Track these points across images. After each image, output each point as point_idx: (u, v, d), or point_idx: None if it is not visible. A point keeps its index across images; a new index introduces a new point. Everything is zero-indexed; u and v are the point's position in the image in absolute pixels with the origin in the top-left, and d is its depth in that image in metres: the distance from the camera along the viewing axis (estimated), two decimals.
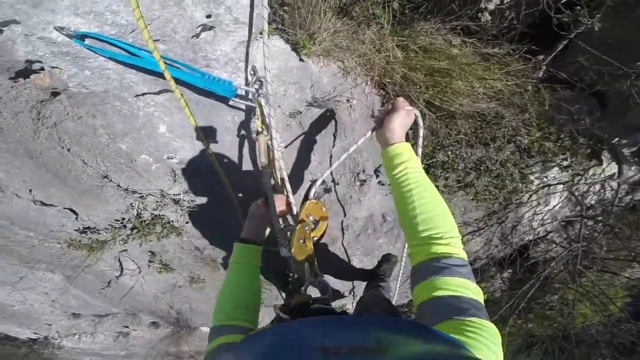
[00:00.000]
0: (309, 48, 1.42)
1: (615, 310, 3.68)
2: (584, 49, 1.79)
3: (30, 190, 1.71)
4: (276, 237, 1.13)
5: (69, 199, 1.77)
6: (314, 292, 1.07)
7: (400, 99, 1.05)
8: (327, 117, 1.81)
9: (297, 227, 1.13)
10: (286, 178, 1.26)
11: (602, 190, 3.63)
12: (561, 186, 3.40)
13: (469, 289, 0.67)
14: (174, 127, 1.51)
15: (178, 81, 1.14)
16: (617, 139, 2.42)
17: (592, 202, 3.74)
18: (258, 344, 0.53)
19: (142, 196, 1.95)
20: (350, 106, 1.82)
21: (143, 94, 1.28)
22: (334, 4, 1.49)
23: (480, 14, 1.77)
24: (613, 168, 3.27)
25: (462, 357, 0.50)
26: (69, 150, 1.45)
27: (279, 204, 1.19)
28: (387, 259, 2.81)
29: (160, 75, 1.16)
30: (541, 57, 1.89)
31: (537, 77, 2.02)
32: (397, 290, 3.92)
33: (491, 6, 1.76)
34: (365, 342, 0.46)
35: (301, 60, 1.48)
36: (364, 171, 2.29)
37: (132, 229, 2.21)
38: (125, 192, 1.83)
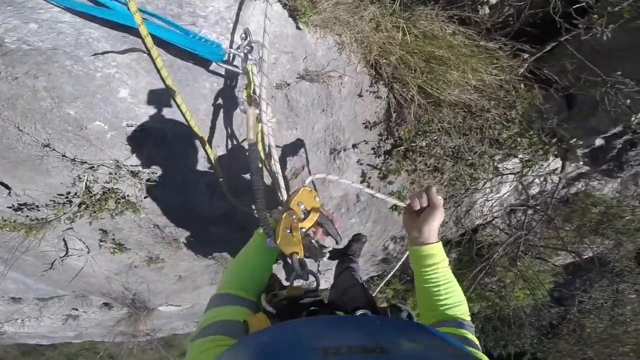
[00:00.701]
0: (309, 16, 1.23)
1: (543, 294, 4.15)
2: (571, 52, 1.81)
3: None
4: (260, 225, 1.01)
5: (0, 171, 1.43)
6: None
7: (435, 191, 0.98)
8: (317, 93, 1.65)
9: (284, 216, 1.00)
10: (276, 158, 1.10)
11: (545, 183, 3.99)
12: (512, 176, 3.65)
13: (475, 340, 0.83)
14: (138, 91, 1.25)
15: (156, 39, 0.90)
16: (575, 140, 2.59)
17: (535, 192, 4.10)
18: (257, 344, 0.52)
19: (93, 167, 1.65)
20: (341, 83, 1.68)
21: (104, 53, 1.01)
22: None
23: (480, 6, 1.69)
24: (557, 163, 3.58)
25: (460, 355, 0.51)
26: None
27: None
28: (358, 239, 2.83)
29: (132, 31, 0.90)
30: (526, 55, 1.90)
31: (518, 74, 2.04)
32: (361, 268, 4.04)
33: (494, 0, 1.69)
34: (364, 342, 0.46)
35: (298, 28, 1.29)
36: (344, 149, 2.19)
37: (79, 205, 1.89)
38: (72, 162, 1.52)
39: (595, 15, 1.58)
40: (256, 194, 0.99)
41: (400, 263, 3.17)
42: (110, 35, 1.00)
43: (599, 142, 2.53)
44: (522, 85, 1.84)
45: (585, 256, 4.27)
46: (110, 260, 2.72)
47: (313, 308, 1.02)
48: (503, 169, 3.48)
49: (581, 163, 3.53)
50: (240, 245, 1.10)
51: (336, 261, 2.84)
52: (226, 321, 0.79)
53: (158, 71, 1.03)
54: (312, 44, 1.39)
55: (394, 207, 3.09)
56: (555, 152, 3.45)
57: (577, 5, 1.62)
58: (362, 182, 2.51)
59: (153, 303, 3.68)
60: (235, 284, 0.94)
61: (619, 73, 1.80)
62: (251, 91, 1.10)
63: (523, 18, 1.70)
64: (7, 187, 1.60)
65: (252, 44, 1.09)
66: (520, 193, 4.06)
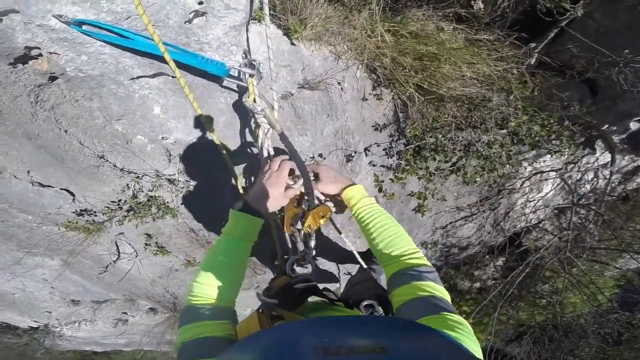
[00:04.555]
0: (300, 32, 1.49)
1: (604, 301, 3.81)
2: (575, 37, 1.86)
3: (28, 172, 1.80)
4: (307, 198, 1.15)
5: (66, 179, 1.86)
6: None
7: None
8: (319, 99, 1.89)
9: (322, 205, 1.22)
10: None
11: (595, 179, 3.74)
12: (553, 173, 3.50)
13: (439, 291, 0.83)
14: (168, 108, 1.59)
15: (176, 63, 1.22)
16: (606, 126, 2.52)
17: (585, 190, 3.85)
18: (256, 345, 0.54)
19: (138, 176, 2.04)
20: (341, 89, 1.90)
21: (138, 77, 1.36)
22: None
23: (472, 2, 1.84)
24: (606, 157, 3.37)
25: (461, 353, 0.52)
26: (66, 131, 1.53)
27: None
28: None
29: (155, 58, 1.23)
30: (533, 44, 1.96)
31: (529, 64, 2.10)
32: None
33: None
34: (365, 342, 0.47)
35: (292, 44, 1.56)
36: (355, 152, 2.38)
37: (127, 210, 2.31)
38: (122, 172, 1.92)
39: None
40: (301, 169, 1.12)
41: None
42: (140, 63, 1.34)
43: (634, 126, 2.42)
44: (515, 71, 1.91)
45: None
46: (154, 264, 3.15)
47: (308, 292, 1.18)
48: (540, 165, 3.37)
49: (634, 155, 3.29)
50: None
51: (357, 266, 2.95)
52: (207, 338, 0.79)
53: (182, 89, 1.35)
54: (308, 56, 1.65)
55: (417, 209, 3.15)
56: (601, 144, 3.27)
57: None
58: (376, 186, 2.66)
59: None
60: (211, 292, 0.89)
61: (627, 51, 1.80)
62: (252, 100, 1.38)
63: (513, 6, 1.79)
64: (72, 194, 2.05)
65: (253, 62, 1.39)
66: (568, 192, 3.84)
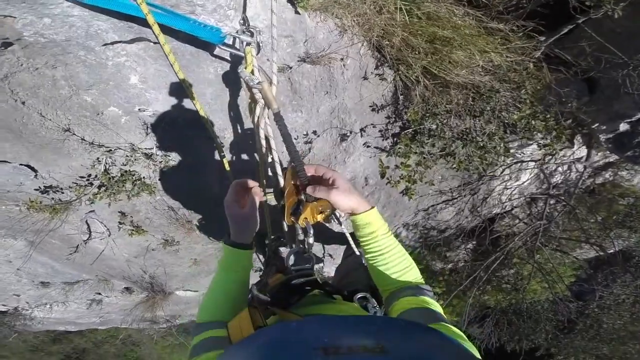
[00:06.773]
0: (306, 1, 1.29)
1: (562, 289, 4.04)
2: (589, 34, 1.80)
3: None
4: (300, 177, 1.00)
5: (26, 154, 1.59)
6: None
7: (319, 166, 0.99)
8: (319, 75, 1.71)
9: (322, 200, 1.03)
10: (273, 143, 1.18)
11: (569, 171, 3.86)
12: (533, 163, 3.57)
13: (438, 308, 0.87)
14: (148, 77, 1.36)
15: (161, 26, 0.99)
16: (597, 125, 2.53)
17: (558, 181, 3.98)
18: (255, 345, 0.53)
19: (110, 150, 1.81)
20: (343, 65, 1.73)
21: (113, 43, 1.13)
22: None
23: None
24: (582, 152, 3.47)
25: (460, 353, 0.52)
26: (23, 103, 1.28)
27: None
28: None
29: (135, 20, 0.99)
30: (543, 37, 1.87)
31: (535, 57, 2.02)
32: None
33: None
34: (364, 342, 0.46)
35: (297, 12, 1.35)
36: (350, 132, 2.24)
37: (99, 187, 2.06)
38: (91, 145, 1.68)
39: None
40: (293, 156, 0.98)
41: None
42: (117, 27, 1.11)
43: (623, 127, 2.46)
44: (531, 65, 1.82)
45: (610, 250, 4.13)
46: (129, 243, 2.93)
47: (307, 288, 1.10)
48: (521, 155, 3.41)
49: (608, 152, 3.40)
50: None
51: (344, 246, 2.90)
52: (216, 337, 0.84)
53: (167, 57, 1.12)
54: (312, 27, 1.45)
55: (405, 192, 3.10)
56: (580, 139, 3.34)
57: None
58: (380, 172, 2.55)
59: (170, 287, 3.90)
60: (211, 315, 0.95)
61: None
62: (249, 71, 1.17)
63: None
64: (33, 169, 1.78)
65: (252, 29, 1.17)
66: (542, 182, 3.95)
